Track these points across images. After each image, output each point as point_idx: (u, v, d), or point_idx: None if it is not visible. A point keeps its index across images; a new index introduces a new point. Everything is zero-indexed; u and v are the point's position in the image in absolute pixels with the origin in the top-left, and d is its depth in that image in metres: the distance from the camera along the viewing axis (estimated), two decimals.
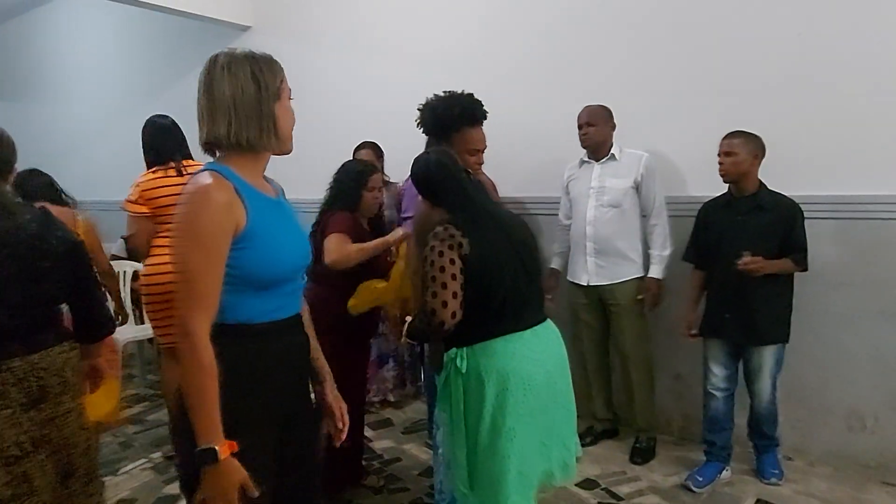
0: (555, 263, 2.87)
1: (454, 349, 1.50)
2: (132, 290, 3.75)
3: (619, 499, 2.34)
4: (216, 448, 1.04)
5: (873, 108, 2.33)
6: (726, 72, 2.60)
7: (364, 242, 2.13)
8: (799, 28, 2.44)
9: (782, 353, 2.33)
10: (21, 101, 6.80)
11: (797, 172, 2.42)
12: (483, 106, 1.96)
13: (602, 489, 2.41)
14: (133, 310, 3.76)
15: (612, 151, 2.62)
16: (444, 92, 1.93)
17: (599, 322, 2.73)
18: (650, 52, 2.77)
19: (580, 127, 2.61)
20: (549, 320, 1.61)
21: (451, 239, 1.43)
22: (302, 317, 1.28)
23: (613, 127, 2.63)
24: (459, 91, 1.93)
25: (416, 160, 1.64)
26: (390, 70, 3.65)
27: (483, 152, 1.99)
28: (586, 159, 2.69)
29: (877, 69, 2.32)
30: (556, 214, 2.92)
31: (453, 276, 1.42)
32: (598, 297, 2.68)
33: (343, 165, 2.31)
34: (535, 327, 1.54)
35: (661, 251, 2.57)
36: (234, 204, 1.09)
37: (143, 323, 3.77)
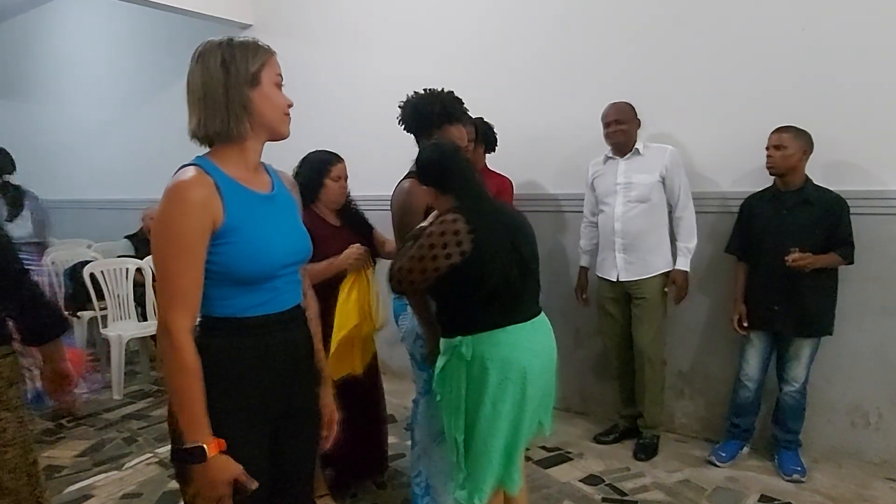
0: (584, 261, 2.85)
1: (459, 337, 1.55)
2: (135, 286, 3.76)
3: (624, 494, 2.34)
4: (204, 446, 1.03)
5: (880, 105, 2.33)
6: (745, 67, 2.58)
7: (327, 237, 2.06)
8: (803, 24, 2.44)
9: (818, 344, 2.38)
10: (22, 100, 6.81)
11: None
12: (463, 104, 1.97)
13: (606, 485, 2.41)
14: (136, 307, 3.78)
15: (636, 146, 2.59)
16: (425, 89, 1.94)
17: (625, 317, 2.71)
18: (668, 48, 2.75)
19: (607, 125, 2.58)
20: (543, 313, 1.67)
21: (455, 236, 1.48)
22: (304, 313, 1.26)
23: (639, 124, 2.61)
24: (440, 89, 1.94)
25: (425, 148, 1.67)
26: (392, 68, 3.65)
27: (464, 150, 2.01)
28: (611, 155, 2.65)
29: (883, 66, 2.31)
30: (569, 211, 2.93)
31: (435, 270, 1.50)
32: (625, 292, 2.66)
33: (305, 156, 2.23)
34: (534, 319, 1.62)
35: (687, 243, 2.54)
36: (211, 200, 1.06)
37: (145, 320, 3.78)
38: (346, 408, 2.19)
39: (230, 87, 1.08)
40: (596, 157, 2.74)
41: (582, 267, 2.85)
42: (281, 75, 1.16)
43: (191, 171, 1.08)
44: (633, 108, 2.61)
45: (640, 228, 2.56)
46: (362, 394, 2.31)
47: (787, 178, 2.35)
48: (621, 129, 2.56)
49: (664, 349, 2.72)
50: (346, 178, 2.23)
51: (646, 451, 2.63)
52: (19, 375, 1.58)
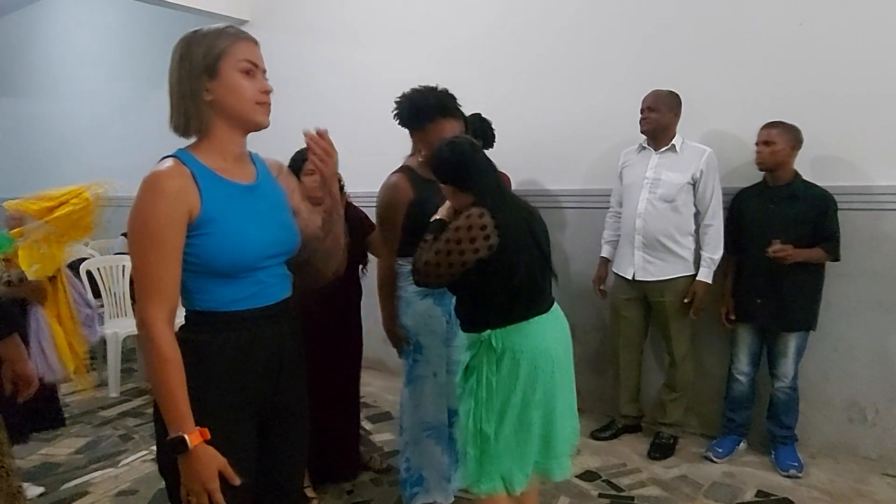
0: (605, 252, 2.78)
1: (488, 331, 1.57)
2: (131, 283, 3.75)
3: (620, 490, 2.34)
4: (185, 436, 1.02)
5: (872, 101, 2.33)
6: (738, 63, 2.58)
7: None
8: (800, 17, 2.43)
9: (806, 340, 2.39)
10: (19, 97, 6.79)
11: (796, 163, 2.41)
12: (457, 101, 2.00)
13: (603, 481, 2.41)
14: (132, 304, 3.77)
15: (673, 142, 2.50)
16: (421, 85, 1.99)
17: (640, 319, 2.68)
18: (668, 45, 2.75)
19: (642, 111, 2.51)
20: (555, 302, 1.70)
21: (482, 231, 1.49)
22: (292, 308, 1.23)
23: (678, 115, 2.51)
24: (435, 85, 1.99)
25: (441, 147, 1.64)
26: (390, 64, 3.64)
27: None
28: (645, 146, 2.57)
29: (875, 62, 2.31)
30: (568, 207, 2.93)
31: (462, 264, 1.51)
32: (642, 293, 2.60)
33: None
34: (552, 308, 1.65)
35: (713, 254, 2.45)
36: (186, 190, 1.05)
37: None
38: (320, 409, 2.20)
39: (183, 81, 1.08)
40: (627, 147, 2.67)
41: (603, 258, 2.80)
42: (251, 61, 1.10)
43: (167, 163, 1.08)
44: (676, 97, 2.49)
45: (661, 228, 2.48)
46: (337, 394, 2.30)
47: (775, 174, 2.36)
48: (651, 116, 2.47)
49: (696, 350, 2.66)
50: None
51: (662, 451, 2.58)
52: None
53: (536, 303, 1.59)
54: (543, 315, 1.59)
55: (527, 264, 1.53)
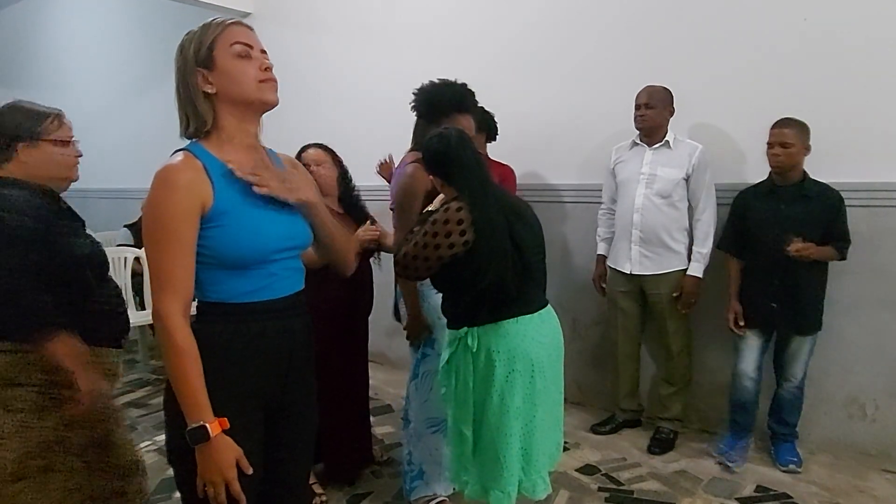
0: (601, 249, 2.79)
1: (465, 328, 1.53)
2: (133, 275, 3.75)
3: (620, 484, 2.35)
4: (207, 425, 1.02)
5: (873, 97, 2.32)
6: (741, 59, 2.57)
7: None
8: (804, 13, 2.42)
9: (816, 341, 2.37)
10: (21, 88, 6.77)
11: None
12: (474, 95, 2.01)
13: (602, 475, 2.42)
14: (133, 296, 3.77)
15: (666, 138, 2.51)
16: (439, 79, 2.00)
17: (636, 311, 2.68)
18: (668, 39, 2.73)
19: (637, 107, 2.51)
20: (549, 305, 1.65)
21: (459, 225, 1.48)
22: (304, 301, 1.23)
23: (672, 112, 2.52)
24: (453, 79, 2.00)
25: (431, 137, 1.63)
26: (393, 56, 3.63)
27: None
28: (638, 142, 2.58)
29: (874, 58, 2.30)
30: (569, 202, 2.92)
31: (439, 258, 1.50)
32: (639, 287, 2.61)
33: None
34: (541, 311, 1.60)
35: (701, 248, 2.47)
36: (198, 183, 1.06)
37: (144, 309, 3.78)
38: (333, 400, 2.22)
39: (181, 84, 1.11)
40: (620, 143, 2.67)
41: (600, 255, 2.80)
42: (244, 42, 1.10)
43: (179, 156, 1.09)
44: (669, 94, 2.50)
45: (658, 222, 2.50)
46: (351, 385, 2.32)
47: (785, 173, 2.30)
48: (648, 113, 2.48)
49: (692, 344, 2.66)
50: (324, 163, 2.23)
51: (662, 445, 2.59)
52: (28, 375, 1.39)
53: (515, 304, 1.53)
54: (527, 316, 1.54)
55: (497, 268, 1.48)
